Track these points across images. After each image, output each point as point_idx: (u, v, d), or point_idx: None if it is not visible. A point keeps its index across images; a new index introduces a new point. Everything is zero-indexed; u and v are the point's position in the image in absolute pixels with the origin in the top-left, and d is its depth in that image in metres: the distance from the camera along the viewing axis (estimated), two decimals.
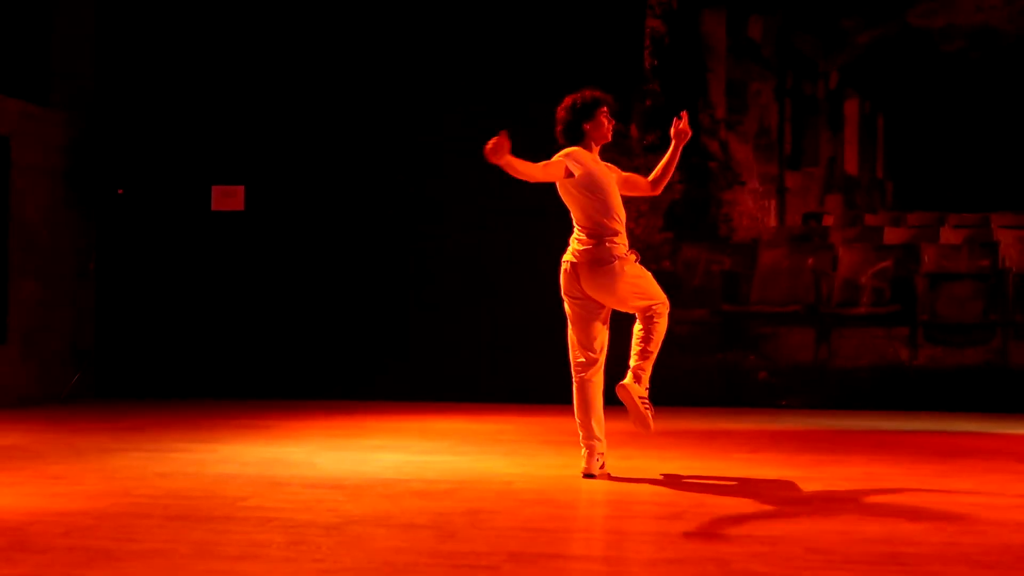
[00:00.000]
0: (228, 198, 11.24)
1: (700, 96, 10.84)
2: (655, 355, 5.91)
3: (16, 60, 10.61)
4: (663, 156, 6.35)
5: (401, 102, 11.17)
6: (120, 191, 11.05)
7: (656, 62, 10.88)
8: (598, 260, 5.92)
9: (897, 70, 10.70)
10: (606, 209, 5.98)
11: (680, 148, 6.29)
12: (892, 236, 10.64)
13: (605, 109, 6.10)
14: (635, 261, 6.01)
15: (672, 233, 10.82)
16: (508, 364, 10.90)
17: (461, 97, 11.02)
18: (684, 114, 6.30)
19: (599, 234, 5.96)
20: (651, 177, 6.33)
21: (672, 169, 6.33)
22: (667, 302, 6.00)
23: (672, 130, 6.26)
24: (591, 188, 5.97)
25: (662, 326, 5.93)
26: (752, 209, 10.78)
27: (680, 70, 10.87)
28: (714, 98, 10.83)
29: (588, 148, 6.07)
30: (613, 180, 6.11)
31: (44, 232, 10.73)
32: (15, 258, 10.36)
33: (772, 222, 10.76)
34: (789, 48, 10.83)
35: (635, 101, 10.85)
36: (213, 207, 11.29)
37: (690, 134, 6.29)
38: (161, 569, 3.81)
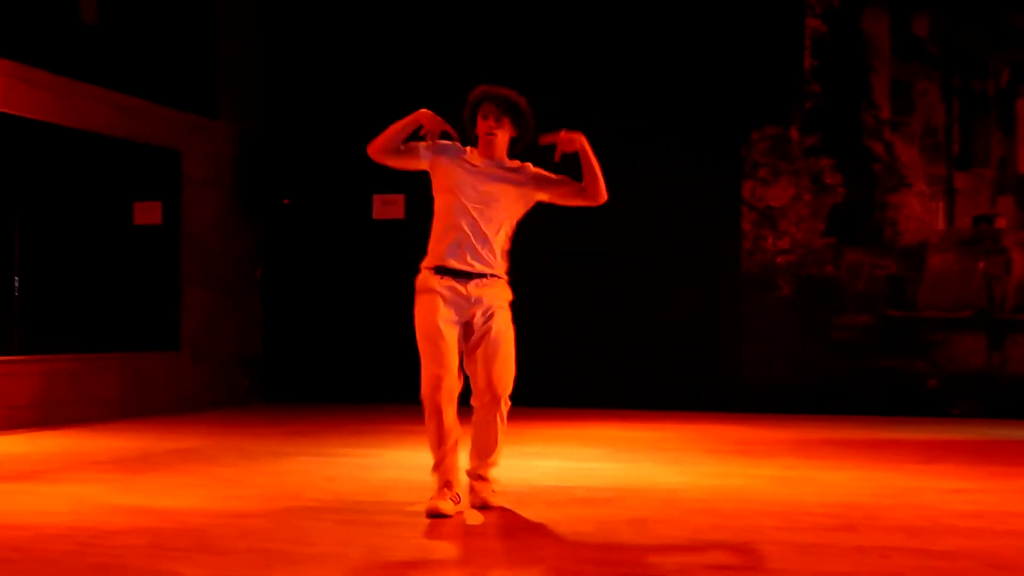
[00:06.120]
0: (389, 206, 11.44)
1: (863, 97, 10.58)
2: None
3: (184, 75, 10.98)
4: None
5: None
6: (286, 201, 11.35)
7: (816, 63, 10.67)
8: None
9: None
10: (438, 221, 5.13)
11: (582, 153, 5.11)
12: None
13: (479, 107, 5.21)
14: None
15: (834, 238, 10.59)
16: (673, 371, 10.79)
17: (626, 97, 10.97)
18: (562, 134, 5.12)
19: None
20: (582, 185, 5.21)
21: (591, 173, 5.14)
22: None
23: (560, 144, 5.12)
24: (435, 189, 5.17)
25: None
26: (919, 212, 10.47)
27: (842, 70, 10.64)
28: (878, 98, 10.56)
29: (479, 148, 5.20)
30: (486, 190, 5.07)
31: (214, 242, 11.09)
32: (187, 268, 10.74)
33: (940, 225, 10.43)
34: (956, 45, 10.49)
35: (795, 103, 10.66)
36: (374, 215, 11.50)
37: (573, 144, 5.09)
38: (336, 573, 3.89)
